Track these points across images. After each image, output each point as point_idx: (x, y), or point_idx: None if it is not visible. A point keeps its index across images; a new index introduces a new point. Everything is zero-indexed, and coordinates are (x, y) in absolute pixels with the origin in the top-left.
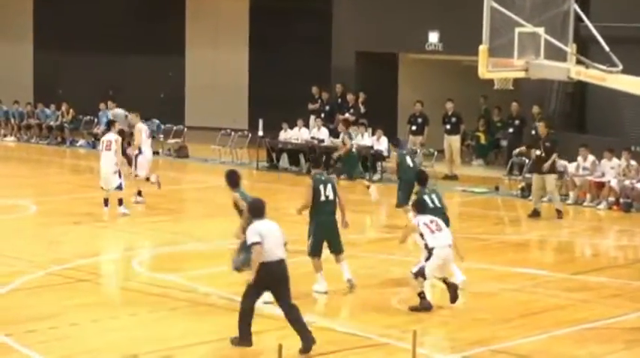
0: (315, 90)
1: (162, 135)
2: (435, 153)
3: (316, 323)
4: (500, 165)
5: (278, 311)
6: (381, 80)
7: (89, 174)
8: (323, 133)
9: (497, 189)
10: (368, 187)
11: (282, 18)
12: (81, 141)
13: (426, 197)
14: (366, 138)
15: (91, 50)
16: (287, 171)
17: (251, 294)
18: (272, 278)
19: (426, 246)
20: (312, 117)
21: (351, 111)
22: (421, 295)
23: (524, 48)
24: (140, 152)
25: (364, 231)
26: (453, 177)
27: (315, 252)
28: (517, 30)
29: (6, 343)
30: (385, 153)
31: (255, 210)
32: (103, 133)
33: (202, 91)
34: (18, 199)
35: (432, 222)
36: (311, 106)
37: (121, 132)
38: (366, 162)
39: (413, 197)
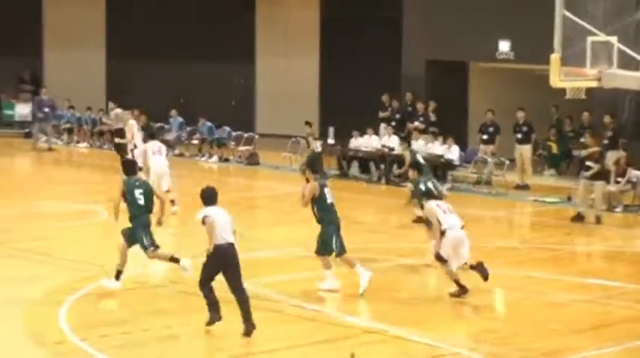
0: (385, 98)
1: (233, 142)
2: (507, 162)
3: (389, 331)
4: (573, 175)
5: (350, 319)
6: (451, 88)
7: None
8: (393, 141)
9: (569, 199)
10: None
11: (352, 26)
12: None
13: (421, 185)
14: (436, 147)
15: (162, 58)
16: (357, 179)
17: (204, 278)
18: (223, 260)
19: (440, 226)
20: (382, 126)
21: (421, 119)
22: (456, 281)
23: (597, 57)
24: (135, 147)
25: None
26: (524, 187)
27: (344, 248)
28: (589, 39)
29: (81, 347)
30: (457, 162)
31: (207, 197)
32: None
33: (273, 99)
34: (90, 205)
35: (444, 204)
36: (381, 114)
37: (119, 131)
38: (436, 171)
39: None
